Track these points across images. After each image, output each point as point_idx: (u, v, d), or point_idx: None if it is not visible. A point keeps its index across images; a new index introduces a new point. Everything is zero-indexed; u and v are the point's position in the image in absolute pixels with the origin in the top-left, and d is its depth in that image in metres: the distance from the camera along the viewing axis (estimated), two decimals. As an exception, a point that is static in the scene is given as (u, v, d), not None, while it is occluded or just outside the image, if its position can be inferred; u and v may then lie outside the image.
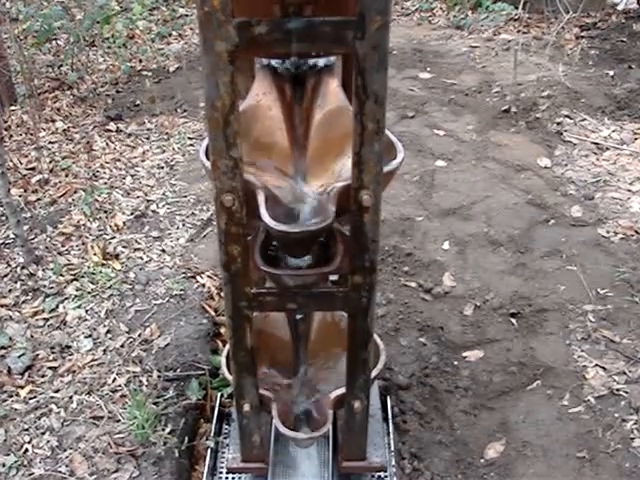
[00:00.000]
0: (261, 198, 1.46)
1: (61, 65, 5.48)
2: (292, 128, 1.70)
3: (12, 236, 3.05)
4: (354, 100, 1.34)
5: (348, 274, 1.58)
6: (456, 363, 2.36)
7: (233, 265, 1.56)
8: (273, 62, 1.69)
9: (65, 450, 2.10)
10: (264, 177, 1.66)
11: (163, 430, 2.11)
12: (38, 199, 3.47)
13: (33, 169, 3.79)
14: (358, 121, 1.37)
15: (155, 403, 2.19)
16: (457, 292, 2.66)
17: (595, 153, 3.63)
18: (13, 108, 4.89)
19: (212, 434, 2.11)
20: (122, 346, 2.47)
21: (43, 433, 2.16)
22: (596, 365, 2.27)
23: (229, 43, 1.28)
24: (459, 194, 3.26)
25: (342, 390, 1.75)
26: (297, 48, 1.28)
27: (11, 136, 4.39)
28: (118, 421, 2.16)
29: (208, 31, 1.26)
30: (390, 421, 2.10)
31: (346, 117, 1.56)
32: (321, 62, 1.69)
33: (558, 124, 3.89)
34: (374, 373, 1.84)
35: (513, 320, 2.51)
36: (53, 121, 4.60)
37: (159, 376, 2.30)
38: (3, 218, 3.32)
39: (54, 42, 5.89)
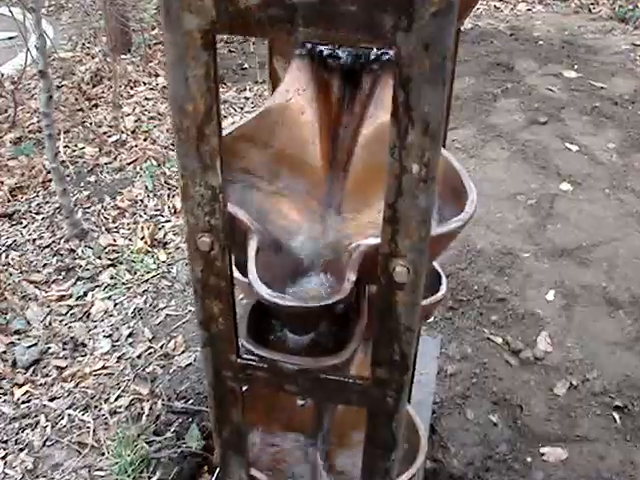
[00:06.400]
0: (252, 247, 1.02)
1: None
2: (331, 142, 1.23)
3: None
4: (391, 125, 0.86)
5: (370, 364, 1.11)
6: (529, 460, 1.82)
7: (213, 325, 1.13)
8: (321, 48, 1.23)
9: (37, 477, 1.78)
10: (282, 205, 1.22)
11: (150, 479, 1.74)
12: (108, 162, 3.19)
13: (115, 127, 3.51)
14: (395, 158, 0.88)
15: (150, 442, 1.81)
16: (552, 361, 2.10)
17: None
18: (124, 57, 4.69)
19: (209, 492, 1.72)
20: (139, 357, 2.12)
21: (22, 449, 1.86)
22: None
23: (203, 18, 0.84)
24: (580, 231, 2.64)
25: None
26: (305, 34, 0.81)
27: (111, 87, 4.15)
28: (103, 454, 1.81)
29: (172, -3, 0.83)
30: (429, 523, 1.62)
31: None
32: (387, 54, 1.21)
33: None
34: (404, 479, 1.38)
35: (616, 415, 1.93)
36: (156, 75, 4.34)
37: (163, 404, 1.93)
38: (69, 179, 3.07)
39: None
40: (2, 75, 3.80)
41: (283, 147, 1.21)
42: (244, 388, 1.21)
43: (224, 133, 1.21)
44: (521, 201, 2.82)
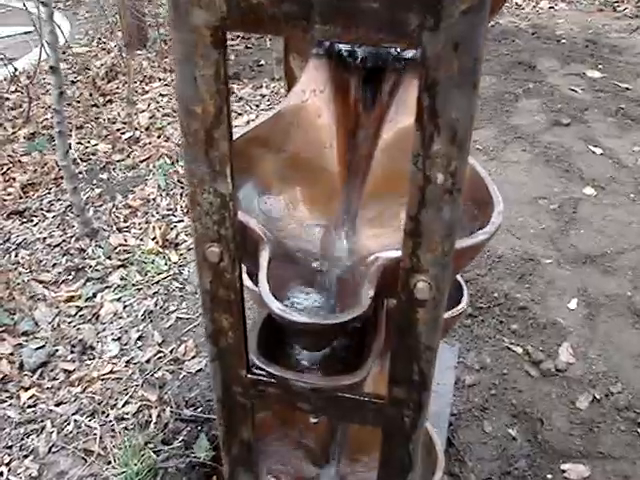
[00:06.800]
0: (264, 258, 0.96)
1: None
2: (349, 146, 1.17)
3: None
4: (415, 132, 0.80)
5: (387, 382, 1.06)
6: (550, 477, 1.75)
7: (222, 339, 1.08)
8: (340, 46, 1.17)
9: (42, 485, 1.73)
10: (296, 213, 1.15)
11: (156, 489, 1.69)
12: (121, 160, 3.14)
13: (129, 124, 3.47)
14: (419, 168, 0.82)
15: (157, 451, 1.76)
16: (574, 373, 2.02)
17: None
18: (139, 52, 4.65)
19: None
20: (148, 361, 2.07)
21: (26, 456, 1.81)
22: None
23: (213, 13, 0.79)
24: (604, 237, 2.55)
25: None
26: (322, 32, 0.75)
27: (126, 82, 4.11)
28: (109, 463, 1.75)
29: (180, -9, 0.77)
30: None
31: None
32: (410, 53, 1.15)
33: None
34: (420, 501, 1.31)
35: (642, 432, 1.85)
36: (171, 71, 4.29)
37: (172, 412, 1.87)
38: (81, 176, 3.03)
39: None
40: (16, 69, 3.76)
41: (298, 151, 1.15)
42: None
43: (236, 135, 1.15)
44: (543, 205, 2.73)
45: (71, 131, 3.34)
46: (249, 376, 1.10)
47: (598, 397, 1.94)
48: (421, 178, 0.81)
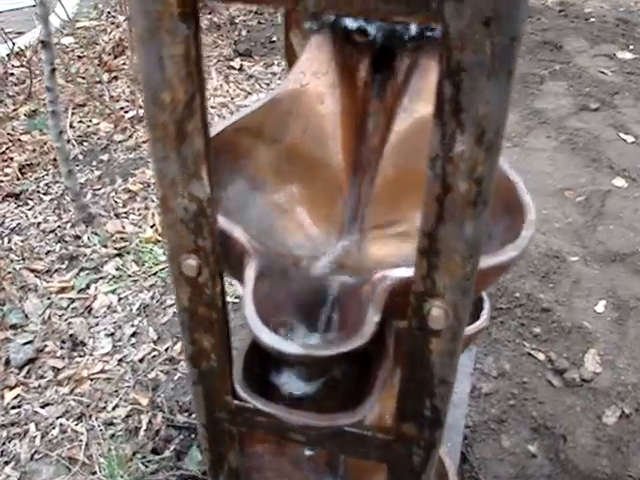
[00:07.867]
0: (249, 276, 0.81)
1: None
2: (355, 138, 1.01)
3: (80, 183, 2.58)
4: (433, 129, 0.64)
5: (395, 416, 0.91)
6: (573, 501, 1.60)
7: (204, 361, 0.94)
8: (346, 21, 1.00)
9: (22, 496, 1.60)
10: (292, 216, 1.00)
11: (143, 505, 1.56)
12: (123, 140, 2.99)
13: (133, 102, 3.31)
14: (437, 173, 0.66)
15: (146, 461, 1.62)
16: (601, 383, 1.86)
17: None
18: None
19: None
20: (141, 360, 1.93)
21: (7, 463, 1.68)
22: None
23: (179, -22, 0.62)
24: (635, 233, 2.37)
25: None
26: (316, 3, 0.59)
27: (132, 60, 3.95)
28: (94, 473, 1.62)
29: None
30: None
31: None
32: (428, 31, 0.98)
33: None
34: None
35: (677, 454, 1.69)
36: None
37: (164, 418, 1.74)
38: (81, 157, 2.89)
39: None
40: (14, 44, 3.61)
41: (296, 143, 0.99)
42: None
43: (224, 124, 1.00)
44: (569, 197, 2.55)
45: (73, 109, 3.19)
46: (235, 402, 0.96)
47: (627, 412, 1.78)
48: (439, 186, 0.65)
